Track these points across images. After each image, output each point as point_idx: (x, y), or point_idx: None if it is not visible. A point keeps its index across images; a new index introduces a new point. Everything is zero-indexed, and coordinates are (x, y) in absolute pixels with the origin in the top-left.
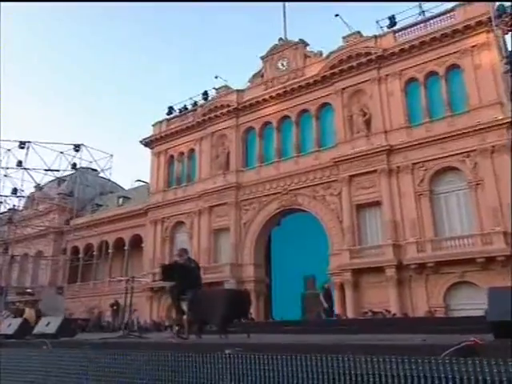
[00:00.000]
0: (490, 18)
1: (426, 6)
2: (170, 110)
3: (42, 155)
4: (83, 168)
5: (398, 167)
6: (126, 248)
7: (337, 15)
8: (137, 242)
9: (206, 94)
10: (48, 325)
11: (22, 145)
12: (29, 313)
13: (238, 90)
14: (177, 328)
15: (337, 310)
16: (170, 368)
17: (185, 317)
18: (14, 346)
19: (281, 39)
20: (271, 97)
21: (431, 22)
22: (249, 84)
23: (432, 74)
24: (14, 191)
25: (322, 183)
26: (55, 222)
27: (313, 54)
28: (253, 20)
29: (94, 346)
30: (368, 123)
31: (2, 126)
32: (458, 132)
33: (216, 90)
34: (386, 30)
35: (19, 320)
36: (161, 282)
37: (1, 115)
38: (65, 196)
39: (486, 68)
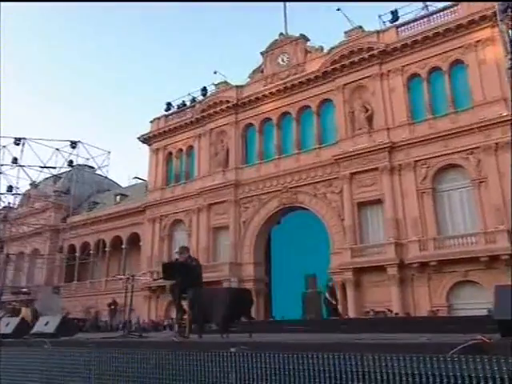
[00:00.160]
0: (494, 12)
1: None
2: (168, 106)
3: (37, 152)
4: (80, 165)
5: (400, 165)
6: (123, 247)
7: (338, 9)
8: (134, 240)
9: (204, 89)
10: (47, 324)
11: (17, 141)
12: (25, 312)
13: (237, 86)
14: (178, 327)
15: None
16: (174, 366)
17: (186, 316)
18: (14, 346)
19: (281, 34)
20: (271, 93)
21: (434, 16)
22: (248, 80)
23: (435, 69)
24: (10, 189)
25: (322, 181)
26: (51, 220)
27: (314, 50)
28: (253, 15)
29: (98, 344)
30: (370, 120)
31: None
32: (462, 129)
33: (215, 85)
34: (388, 24)
35: (17, 319)
36: (159, 281)
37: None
38: (61, 194)
39: (491, 63)
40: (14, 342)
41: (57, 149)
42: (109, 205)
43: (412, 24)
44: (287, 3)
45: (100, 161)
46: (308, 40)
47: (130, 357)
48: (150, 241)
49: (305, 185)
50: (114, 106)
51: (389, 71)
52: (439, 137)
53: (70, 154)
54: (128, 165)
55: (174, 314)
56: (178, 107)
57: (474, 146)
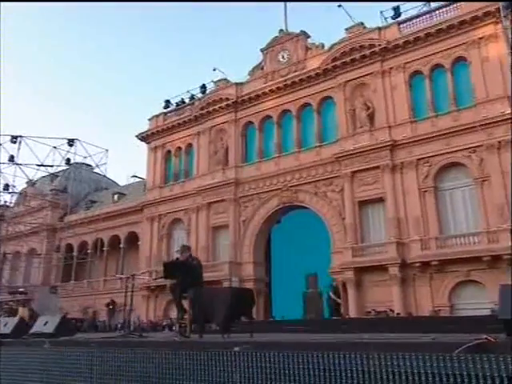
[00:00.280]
0: (498, 8)
1: None
2: (167, 103)
3: (34, 150)
4: (77, 163)
5: (402, 163)
6: (121, 246)
7: (340, 5)
8: (133, 239)
9: (203, 87)
10: (46, 324)
11: (13, 139)
12: (22, 312)
13: (237, 83)
14: (179, 327)
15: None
16: (177, 366)
17: (186, 315)
18: (15, 346)
19: (281, 31)
20: (271, 90)
21: (437, 12)
22: (248, 77)
23: (437, 66)
24: (6, 187)
25: (323, 179)
26: (48, 218)
27: (314, 46)
28: (253, 11)
29: (99, 344)
30: (371, 118)
31: None
32: (464, 127)
33: (214, 83)
34: (390, 21)
35: (15, 319)
36: (158, 281)
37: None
38: (58, 192)
39: (494, 61)
40: (14, 341)
41: (54, 147)
42: (107, 203)
43: (414, 20)
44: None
45: (98, 159)
46: (309, 37)
47: (132, 356)
48: (149, 240)
49: (305, 183)
50: (112, 103)
51: (390, 68)
52: (441, 135)
53: (68, 152)
54: (126, 163)
55: (172, 314)
56: (177, 105)
57: (476, 144)
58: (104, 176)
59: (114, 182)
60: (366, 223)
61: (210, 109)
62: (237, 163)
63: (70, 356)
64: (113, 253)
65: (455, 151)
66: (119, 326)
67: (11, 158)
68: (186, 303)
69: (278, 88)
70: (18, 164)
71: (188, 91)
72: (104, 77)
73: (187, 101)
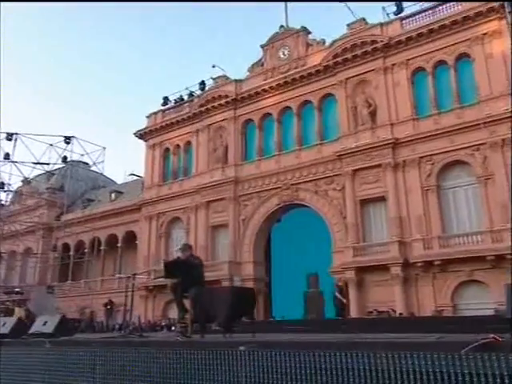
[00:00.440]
0: (502, 4)
1: None
2: (165, 100)
3: (30, 148)
4: (74, 161)
5: (404, 161)
6: (119, 245)
7: (344, 2)
8: (130, 238)
9: (202, 83)
10: (45, 324)
11: (9, 136)
12: (19, 312)
13: (236, 80)
14: (180, 327)
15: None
16: (181, 366)
17: (187, 315)
18: (15, 346)
19: (282, 26)
20: (271, 87)
21: (440, 8)
22: (248, 74)
23: (440, 63)
24: (1, 185)
25: (324, 178)
26: (44, 217)
27: (315, 43)
28: (253, 7)
29: (102, 344)
30: (373, 115)
31: None
32: (468, 124)
33: (213, 79)
34: (392, 17)
35: (14, 319)
36: (156, 281)
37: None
38: (54, 190)
39: (498, 57)
40: (14, 341)
41: (50, 144)
42: (104, 202)
43: (417, 16)
44: None
45: (95, 157)
46: (309, 33)
47: (136, 356)
48: (147, 239)
49: (306, 182)
50: (110, 101)
51: (393, 65)
52: (444, 133)
53: (64, 149)
54: (124, 161)
55: (171, 314)
56: (176, 102)
57: (480, 142)
58: (101, 174)
59: (112, 181)
60: (368, 222)
61: (209, 106)
62: (236, 161)
63: (72, 356)
64: (110, 252)
65: (458, 149)
66: (117, 326)
67: (7, 156)
68: (187, 303)
69: (278, 85)
70: (13, 162)
71: (187, 88)
72: (101, 74)
73: (186, 98)
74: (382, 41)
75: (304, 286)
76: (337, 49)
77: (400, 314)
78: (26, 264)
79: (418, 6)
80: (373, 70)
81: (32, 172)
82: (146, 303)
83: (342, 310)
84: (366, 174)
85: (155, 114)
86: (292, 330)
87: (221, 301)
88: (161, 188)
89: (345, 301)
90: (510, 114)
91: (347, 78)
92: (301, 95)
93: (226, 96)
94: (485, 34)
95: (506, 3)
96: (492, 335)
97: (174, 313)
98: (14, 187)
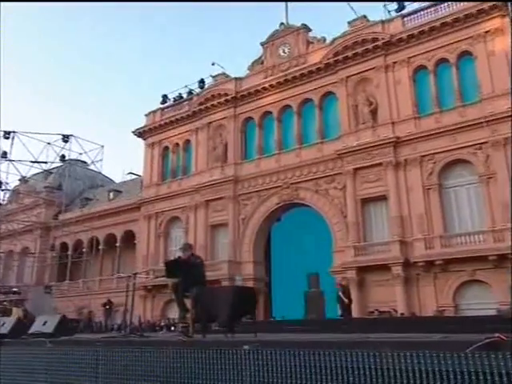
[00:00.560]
0: (505, 1)
1: None
2: (164, 98)
3: (28, 146)
4: (72, 160)
5: (406, 160)
6: (117, 244)
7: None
8: (129, 238)
9: (202, 81)
10: (45, 324)
11: (6, 135)
12: (16, 312)
13: (236, 78)
14: (182, 326)
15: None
16: (185, 365)
17: (189, 315)
18: (16, 346)
19: (282, 24)
20: (271, 85)
21: (442, 6)
22: (248, 72)
23: (442, 61)
24: None
25: (325, 176)
26: (42, 216)
27: (316, 40)
28: (253, 4)
29: (105, 343)
30: (374, 113)
31: None
32: (470, 123)
33: (213, 77)
34: (393, 14)
35: (13, 319)
36: (155, 281)
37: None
38: (52, 189)
39: (500, 55)
40: (14, 342)
41: (48, 143)
42: (102, 201)
43: (418, 14)
44: None
45: (93, 155)
46: (310, 30)
47: (139, 356)
48: (146, 238)
49: (306, 181)
50: (108, 99)
51: (394, 63)
52: (446, 131)
53: (62, 148)
54: (122, 160)
55: (170, 314)
56: (175, 100)
57: (482, 140)
58: (99, 173)
59: (110, 179)
60: (369, 221)
61: (209, 104)
62: (236, 160)
63: (74, 356)
64: (109, 252)
65: (460, 148)
66: (115, 326)
67: (4, 154)
68: (188, 302)
69: (279, 83)
70: (11, 160)
71: (186, 86)
72: (100, 72)
73: (185, 96)
74: (383, 38)
75: (304, 285)
76: (337, 46)
77: (401, 314)
78: (24, 263)
79: (419, 4)
80: (374, 67)
81: (29, 171)
82: (144, 303)
83: (343, 310)
84: (367, 172)
85: (154, 112)
86: (293, 330)
87: (222, 300)
88: (160, 187)
89: (346, 301)
90: (511, 113)
91: (348, 76)
92: (301, 93)
93: (226, 94)
94: (487, 31)
95: (509, 2)
96: (497, 334)
97: (173, 313)
98: (12, 186)
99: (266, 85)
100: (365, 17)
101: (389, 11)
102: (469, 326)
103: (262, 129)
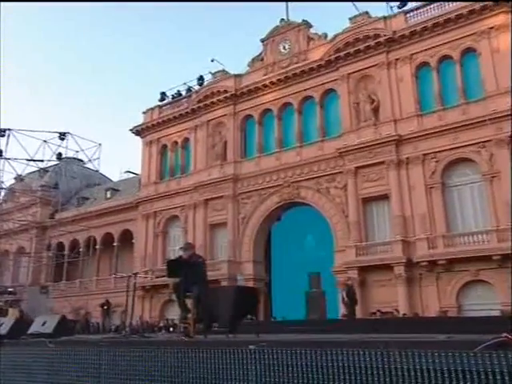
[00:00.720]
0: (505, 0)
1: None
2: (163, 96)
3: (24, 144)
4: (68, 158)
5: (408, 158)
6: (115, 244)
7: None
8: (127, 237)
9: (201, 78)
10: (44, 324)
11: (2, 133)
12: (12, 313)
13: (235, 75)
14: (183, 327)
15: (342, 310)
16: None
17: (190, 315)
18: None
19: (282, 20)
20: (272, 82)
21: (445, 2)
22: (248, 68)
23: (445, 58)
24: None
25: (326, 175)
26: (38, 216)
27: (317, 37)
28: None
29: (107, 343)
30: (376, 111)
31: None
32: (473, 121)
33: (212, 74)
34: (396, 10)
35: (11, 319)
36: (154, 280)
37: None
38: (48, 188)
39: (504, 52)
40: (15, 342)
41: (44, 141)
42: (99, 200)
43: (421, 10)
44: None
45: (90, 154)
46: (311, 26)
47: (141, 356)
48: (144, 238)
49: (307, 179)
50: (106, 96)
51: (396, 60)
52: (449, 129)
53: (59, 146)
54: (120, 158)
55: (168, 315)
56: (173, 97)
57: (486, 138)
58: (96, 171)
59: (107, 178)
60: (370, 221)
61: (208, 101)
62: (235, 158)
63: (76, 356)
64: (106, 251)
65: (464, 146)
66: (113, 327)
67: None
68: (189, 302)
69: (279, 80)
70: (6, 158)
71: (185, 83)
72: (97, 69)
73: (184, 93)
74: (385, 35)
75: (305, 285)
76: (339, 43)
77: (404, 314)
78: (19, 263)
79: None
80: (376, 64)
81: (25, 169)
82: (142, 303)
83: (348, 311)
84: (368, 171)
85: (152, 109)
86: (295, 331)
87: (224, 300)
88: (158, 186)
89: (346, 299)
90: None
91: (349, 73)
92: (302, 91)
93: (225, 91)
94: (491, 27)
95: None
96: (505, 334)
97: (171, 313)
98: (7, 185)
99: (266, 82)
100: (367, 13)
101: (391, 7)
102: (473, 326)
103: (262, 126)
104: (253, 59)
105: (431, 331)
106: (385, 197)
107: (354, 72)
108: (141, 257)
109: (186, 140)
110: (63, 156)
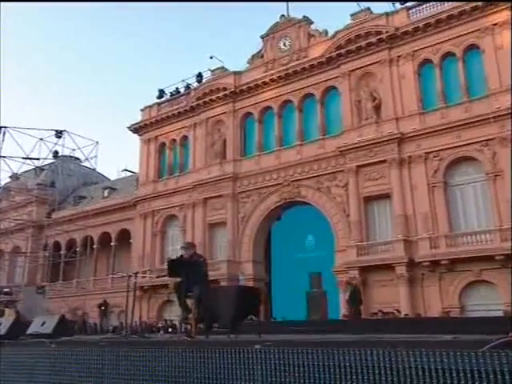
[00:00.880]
0: (506, 0)
1: None
2: (161, 93)
3: (20, 142)
4: (65, 156)
5: (410, 157)
6: (112, 244)
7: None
8: (124, 237)
9: (200, 75)
10: (43, 324)
11: None
12: (9, 314)
13: (235, 72)
14: (186, 327)
15: (344, 310)
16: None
17: (191, 315)
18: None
19: (283, 16)
20: (272, 79)
21: (445, 2)
22: (247, 65)
23: (448, 55)
24: None
25: (326, 174)
26: (34, 215)
27: (317, 33)
28: None
29: (110, 343)
30: (377, 109)
31: None
32: (476, 119)
33: (211, 71)
34: (398, 6)
35: (10, 320)
36: (153, 281)
37: None
38: (45, 187)
39: (508, 49)
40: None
41: (41, 139)
42: (96, 199)
43: (424, 6)
44: None
45: (87, 152)
46: (311, 23)
47: (145, 356)
48: (142, 237)
49: (307, 178)
50: (103, 93)
51: (398, 57)
52: (452, 127)
53: (55, 144)
54: (117, 156)
55: (166, 315)
56: (172, 95)
57: (489, 137)
58: (94, 170)
59: (105, 177)
60: (372, 220)
61: (207, 99)
62: (235, 157)
63: (79, 356)
64: (103, 251)
65: (466, 144)
66: (111, 328)
67: None
68: (190, 302)
69: (279, 77)
70: (1, 157)
71: (183, 80)
72: (94, 66)
73: (182, 90)
74: (387, 31)
75: (305, 285)
76: (340, 40)
77: (405, 315)
78: (15, 263)
79: None
80: (378, 62)
81: (21, 167)
82: (140, 304)
83: (353, 312)
84: (370, 170)
85: (150, 107)
86: (297, 331)
87: (226, 300)
88: (156, 184)
89: (347, 298)
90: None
91: (351, 71)
92: (302, 88)
93: (225, 88)
94: (495, 24)
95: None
96: (511, 334)
97: (169, 314)
98: (2, 183)
99: (266, 79)
100: (368, 9)
101: (393, 3)
102: (476, 327)
103: (262, 124)
104: (252, 56)
105: (435, 332)
106: (386, 196)
107: (355, 69)
108: (139, 257)
109: (185, 138)
110: (60, 154)
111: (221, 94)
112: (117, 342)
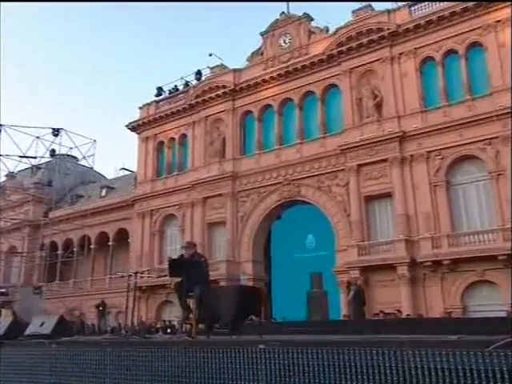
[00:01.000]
0: (506, 0)
1: None
2: (159, 91)
3: (16, 140)
4: (62, 155)
5: (412, 156)
6: (110, 243)
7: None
8: (122, 236)
9: (199, 73)
10: (42, 325)
11: None
12: (6, 314)
13: (234, 70)
14: (187, 327)
15: (344, 310)
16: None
17: (191, 315)
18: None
19: (283, 13)
20: (272, 77)
21: (445, 1)
22: (247, 63)
23: (451, 52)
24: None
25: (327, 173)
26: (30, 214)
27: (318, 30)
28: None
29: (112, 344)
30: (379, 107)
31: None
32: (479, 117)
33: (210, 69)
34: (400, 3)
35: (8, 320)
36: (152, 281)
37: None
38: (41, 186)
39: (509, 47)
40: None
41: (37, 137)
42: (94, 198)
43: (426, 3)
44: None
45: (85, 150)
46: (312, 20)
47: (147, 356)
48: (140, 237)
49: (308, 177)
50: (101, 91)
51: (400, 54)
52: (454, 126)
53: (52, 142)
54: (115, 155)
55: (165, 316)
56: (170, 92)
57: (492, 135)
58: (91, 168)
59: (102, 176)
60: (373, 220)
61: (206, 97)
62: (234, 155)
63: (80, 356)
64: (101, 251)
65: (469, 143)
66: (109, 329)
67: None
68: (191, 302)
69: (279, 75)
70: None
71: (182, 78)
72: (92, 63)
73: (181, 88)
74: (388, 28)
75: (305, 285)
76: (341, 37)
77: (407, 315)
78: (11, 263)
79: None
80: (379, 59)
81: (17, 166)
82: (139, 304)
83: (357, 312)
84: (371, 169)
85: (148, 105)
86: (298, 332)
87: (227, 300)
88: (154, 183)
89: (348, 298)
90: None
91: (352, 68)
92: (303, 86)
93: (224, 86)
94: (498, 21)
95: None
96: None
97: (168, 314)
98: None
99: (266, 77)
100: (370, 6)
101: (395, 0)
102: (479, 327)
103: (262, 123)
104: (252, 53)
105: (437, 332)
106: (388, 195)
107: (356, 67)
108: (137, 256)
109: (184, 136)
110: (57, 153)
111: (220, 92)
112: (118, 342)
